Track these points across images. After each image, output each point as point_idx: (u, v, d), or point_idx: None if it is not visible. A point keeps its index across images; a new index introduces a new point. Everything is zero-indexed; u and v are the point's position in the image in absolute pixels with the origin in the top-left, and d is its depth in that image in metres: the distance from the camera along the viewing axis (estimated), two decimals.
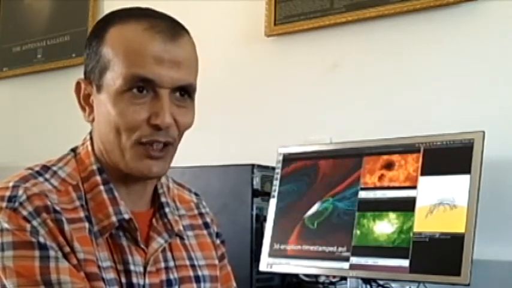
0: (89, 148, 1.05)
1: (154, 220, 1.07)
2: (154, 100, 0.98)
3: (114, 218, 1.00)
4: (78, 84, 1.05)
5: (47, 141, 2.80)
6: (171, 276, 1.05)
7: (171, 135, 1.00)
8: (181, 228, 1.10)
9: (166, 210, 1.09)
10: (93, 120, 1.04)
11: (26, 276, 0.91)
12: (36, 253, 0.92)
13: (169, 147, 1.01)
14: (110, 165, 1.02)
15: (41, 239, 0.93)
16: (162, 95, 0.97)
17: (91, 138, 1.06)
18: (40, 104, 2.94)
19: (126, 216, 1.01)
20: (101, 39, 1.01)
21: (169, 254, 1.07)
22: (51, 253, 0.93)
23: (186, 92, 1.01)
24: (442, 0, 1.86)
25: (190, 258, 1.10)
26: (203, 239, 1.16)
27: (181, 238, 1.10)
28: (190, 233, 1.14)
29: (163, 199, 1.09)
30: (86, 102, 1.04)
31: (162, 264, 1.05)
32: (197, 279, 1.09)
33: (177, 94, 1.00)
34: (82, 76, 1.06)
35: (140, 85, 0.97)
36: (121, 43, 0.98)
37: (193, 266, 1.10)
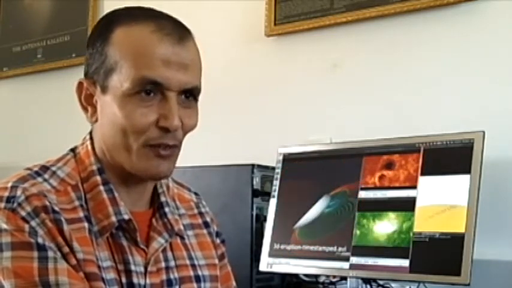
0: (89, 148, 1.04)
1: (154, 220, 1.07)
2: (162, 102, 0.98)
3: (113, 218, 0.99)
4: (80, 84, 1.04)
5: (47, 141, 2.80)
6: (172, 276, 1.05)
7: (177, 138, 1.00)
8: (181, 227, 1.10)
9: (166, 209, 1.09)
10: (96, 120, 1.03)
11: (24, 277, 0.90)
12: (35, 254, 0.92)
13: (175, 148, 1.01)
14: (111, 165, 1.02)
15: (40, 240, 0.92)
16: (170, 97, 0.97)
17: (91, 138, 1.05)
18: (40, 104, 2.94)
19: (126, 217, 1.01)
20: (106, 39, 1.00)
21: (170, 254, 1.07)
22: (50, 254, 0.92)
23: (192, 94, 1.01)
24: (442, 0, 1.86)
25: (190, 258, 1.10)
26: (203, 238, 1.16)
27: (182, 237, 1.11)
28: (190, 232, 1.14)
29: (163, 198, 1.09)
30: (88, 103, 1.04)
31: (163, 264, 1.05)
32: (197, 278, 1.09)
33: (183, 96, 1.00)
34: (82, 76, 1.05)
35: (148, 88, 0.97)
36: (128, 45, 0.98)
37: (193, 266, 1.10)
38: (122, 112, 0.97)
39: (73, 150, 1.07)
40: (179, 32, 1.00)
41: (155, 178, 1.05)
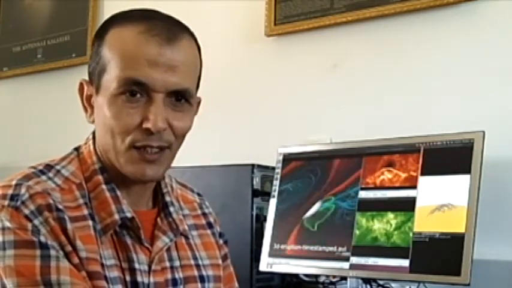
0: (91, 148, 1.05)
1: (159, 219, 1.07)
2: (148, 104, 0.97)
3: (116, 216, 0.99)
4: (81, 84, 1.05)
5: (47, 141, 2.80)
6: (176, 276, 1.06)
7: (165, 140, 0.99)
8: (186, 227, 1.11)
9: (171, 209, 1.09)
10: (93, 121, 1.04)
11: (26, 276, 0.91)
12: (37, 252, 0.92)
13: (165, 151, 1.00)
14: (109, 165, 1.03)
15: (42, 238, 0.93)
16: (155, 99, 0.97)
17: (93, 138, 1.06)
18: (40, 104, 2.94)
19: (129, 215, 1.01)
20: (101, 40, 1.01)
21: (174, 253, 1.07)
22: (52, 253, 0.92)
23: (183, 96, 1.00)
24: (442, 0, 1.86)
25: (195, 258, 1.11)
26: (207, 238, 1.16)
27: (186, 237, 1.11)
28: (194, 232, 1.14)
29: (167, 198, 1.09)
30: (88, 103, 1.05)
31: (167, 263, 1.05)
32: (201, 279, 1.10)
33: (173, 98, 0.99)
34: (84, 76, 1.06)
35: (134, 89, 0.96)
36: (117, 46, 0.98)
37: (197, 266, 1.10)
38: (110, 113, 0.98)
39: (77, 149, 1.08)
40: (170, 32, 0.98)
41: (143, 181, 1.04)
